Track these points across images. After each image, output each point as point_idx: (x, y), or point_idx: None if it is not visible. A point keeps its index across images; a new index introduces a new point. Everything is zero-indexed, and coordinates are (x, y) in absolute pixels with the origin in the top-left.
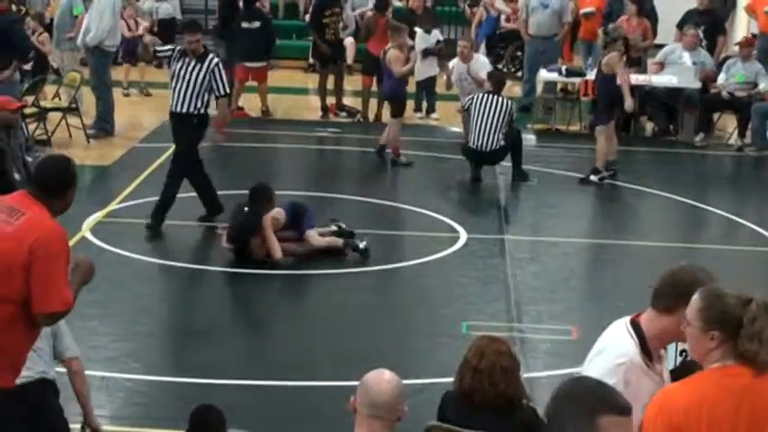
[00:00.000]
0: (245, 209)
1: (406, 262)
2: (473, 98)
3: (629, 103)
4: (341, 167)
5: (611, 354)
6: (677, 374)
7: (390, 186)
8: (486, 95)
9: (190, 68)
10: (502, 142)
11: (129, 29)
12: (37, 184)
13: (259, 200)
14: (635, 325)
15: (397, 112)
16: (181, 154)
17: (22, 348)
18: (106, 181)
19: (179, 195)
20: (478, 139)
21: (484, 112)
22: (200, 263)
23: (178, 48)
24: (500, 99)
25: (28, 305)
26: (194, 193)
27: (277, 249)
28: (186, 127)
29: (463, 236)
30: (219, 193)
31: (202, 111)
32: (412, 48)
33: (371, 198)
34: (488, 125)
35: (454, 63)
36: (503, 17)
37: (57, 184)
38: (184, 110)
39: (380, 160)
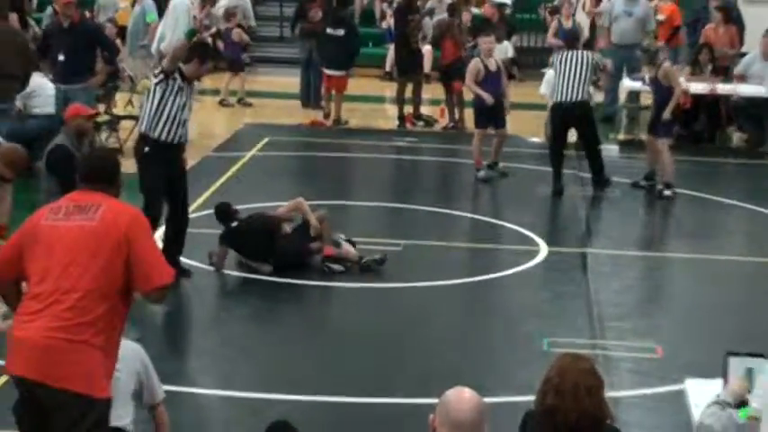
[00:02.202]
0: (233, 225)
1: (484, 276)
2: (556, 56)
3: (667, 113)
4: (418, 178)
5: None
6: None
7: (468, 197)
8: (567, 52)
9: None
10: (587, 96)
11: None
12: (90, 178)
13: (227, 216)
14: None
15: (475, 122)
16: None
17: (117, 350)
18: None
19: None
20: (564, 94)
21: (567, 68)
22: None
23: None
24: (580, 53)
25: (123, 299)
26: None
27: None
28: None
29: (543, 249)
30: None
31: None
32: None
33: (449, 209)
34: (573, 78)
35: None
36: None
37: (109, 173)
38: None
39: (482, 174)
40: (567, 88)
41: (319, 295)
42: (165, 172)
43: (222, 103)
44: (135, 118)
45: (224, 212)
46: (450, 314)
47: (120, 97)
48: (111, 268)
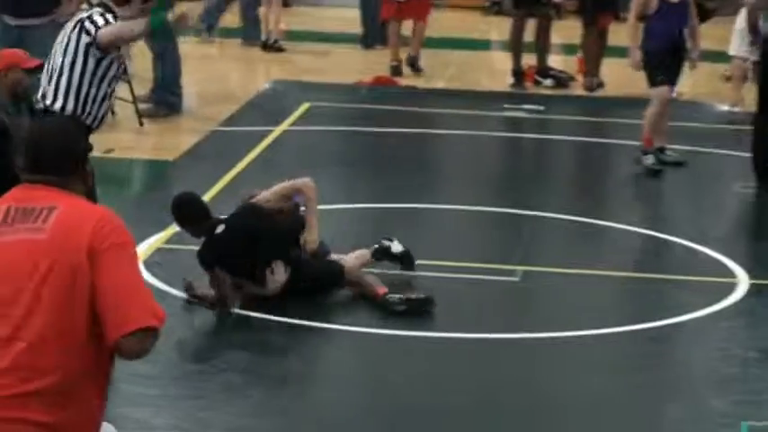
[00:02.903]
0: (217, 232)
1: (649, 322)
2: None
3: None
4: (543, 169)
5: None
6: None
7: (624, 200)
8: None
9: None
10: None
11: None
12: (38, 167)
13: (194, 217)
14: None
15: (650, 79)
16: None
17: (100, 403)
18: (168, 185)
19: None
20: None
21: None
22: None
23: None
24: None
25: (96, 354)
26: None
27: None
28: None
29: (743, 281)
30: (352, 207)
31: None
32: None
33: (593, 218)
34: None
35: None
36: None
37: (67, 156)
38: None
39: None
40: None
41: (404, 351)
42: None
43: (269, 47)
44: None
45: (192, 212)
46: (600, 375)
47: None
48: (71, 304)
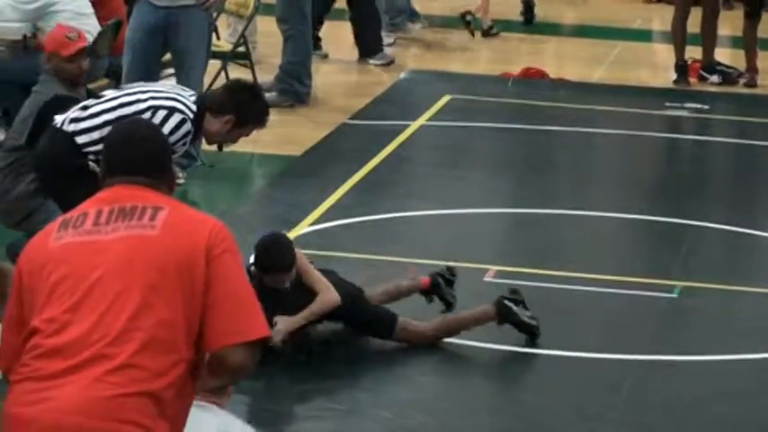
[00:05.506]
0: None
1: None
2: None
3: None
4: (708, 175)
5: None
6: None
7: None
8: None
9: None
10: None
11: None
12: (131, 168)
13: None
14: None
15: None
16: None
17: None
18: (294, 183)
19: None
20: None
21: None
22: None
23: None
24: None
25: (193, 364)
26: None
27: None
28: None
29: None
30: (492, 212)
31: None
32: None
33: (758, 230)
34: None
35: None
36: None
37: (160, 157)
38: None
39: None
40: None
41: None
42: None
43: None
44: (223, 56)
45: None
46: (762, 408)
47: None
48: (185, 304)
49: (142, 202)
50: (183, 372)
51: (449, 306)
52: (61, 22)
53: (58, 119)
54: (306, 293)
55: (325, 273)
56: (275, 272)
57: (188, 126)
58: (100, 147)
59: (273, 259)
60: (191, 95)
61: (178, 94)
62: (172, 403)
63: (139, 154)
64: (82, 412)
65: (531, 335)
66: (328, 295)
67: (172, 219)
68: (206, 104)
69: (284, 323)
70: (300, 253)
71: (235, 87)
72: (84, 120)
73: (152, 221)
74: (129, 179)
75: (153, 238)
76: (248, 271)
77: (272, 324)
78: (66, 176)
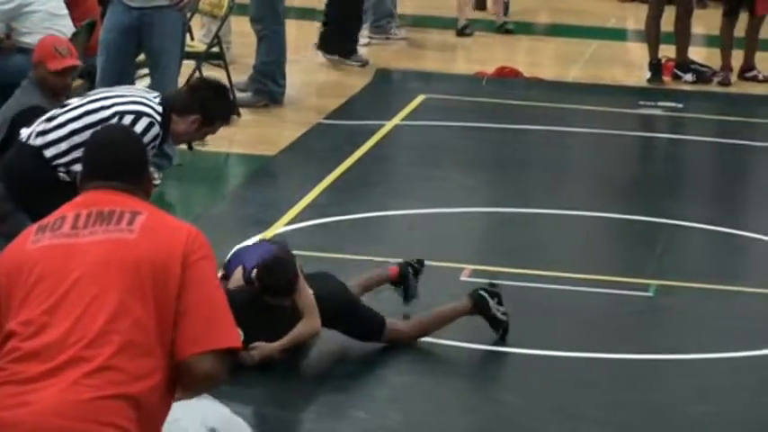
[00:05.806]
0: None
1: None
2: None
3: None
4: (682, 172)
5: None
6: None
7: None
8: None
9: None
10: None
11: None
12: (108, 173)
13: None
14: None
15: None
16: None
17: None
18: (269, 183)
19: None
20: None
21: None
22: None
23: None
24: None
25: (170, 370)
26: None
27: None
28: None
29: None
30: (468, 211)
31: None
32: None
33: (734, 228)
34: None
35: None
36: None
37: (137, 162)
38: None
39: None
40: None
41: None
42: None
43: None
44: (197, 56)
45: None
46: (736, 406)
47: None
48: (158, 309)
49: (120, 206)
50: (164, 376)
51: (406, 299)
52: (53, 33)
53: (24, 133)
54: (295, 313)
55: (322, 278)
56: (276, 294)
57: (156, 129)
58: (69, 157)
59: (276, 279)
60: (155, 97)
61: (143, 98)
62: (153, 407)
63: (116, 159)
64: (61, 415)
65: (501, 331)
66: (311, 323)
67: (150, 223)
68: (171, 105)
69: (260, 351)
70: (301, 274)
71: (199, 86)
72: (51, 132)
73: (130, 226)
74: (107, 184)
75: (130, 242)
76: (247, 281)
77: (254, 339)
78: (35, 190)
